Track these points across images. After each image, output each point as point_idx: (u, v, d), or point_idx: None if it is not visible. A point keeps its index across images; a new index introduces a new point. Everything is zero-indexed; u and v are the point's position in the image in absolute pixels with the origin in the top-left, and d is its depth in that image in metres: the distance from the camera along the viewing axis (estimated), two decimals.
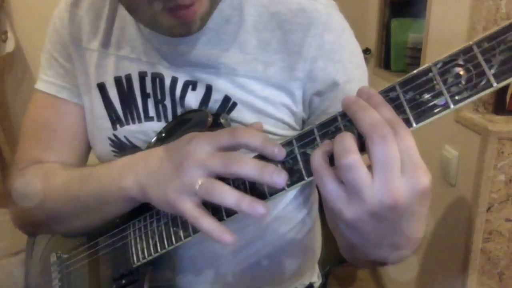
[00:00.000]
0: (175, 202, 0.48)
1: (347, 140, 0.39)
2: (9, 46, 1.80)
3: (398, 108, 0.40)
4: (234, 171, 0.45)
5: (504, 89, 1.06)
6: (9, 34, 1.80)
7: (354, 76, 0.59)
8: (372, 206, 0.38)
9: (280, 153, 0.45)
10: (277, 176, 0.43)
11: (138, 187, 0.52)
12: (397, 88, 0.40)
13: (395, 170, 0.37)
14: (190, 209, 0.47)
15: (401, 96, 0.40)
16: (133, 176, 0.53)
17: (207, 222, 0.47)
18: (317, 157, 0.41)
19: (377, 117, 0.38)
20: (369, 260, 0.48)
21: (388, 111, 0.39)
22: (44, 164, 0.67)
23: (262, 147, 0.46)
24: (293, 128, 0.61)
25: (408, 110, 0.39)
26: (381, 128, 0.37)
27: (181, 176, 0.47)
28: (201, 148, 0.47)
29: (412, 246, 0.45)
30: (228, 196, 0.45)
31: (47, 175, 0.64)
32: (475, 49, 0.36)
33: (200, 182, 0.46)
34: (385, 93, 0.40)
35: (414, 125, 0.39)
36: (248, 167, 0.44)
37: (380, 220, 0.39)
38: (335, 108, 0.58)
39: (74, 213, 0.60)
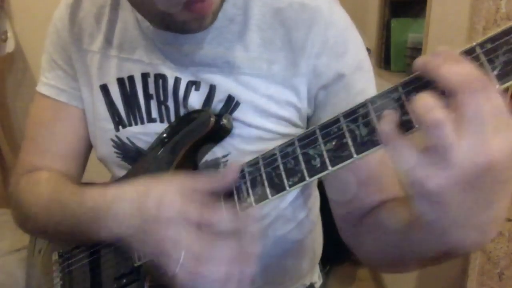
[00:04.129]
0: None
1: (429, 98, 0.35)
2: (9, 46, 1.79)
3: None
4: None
5: (504, 89, 1.06)
6: (9, 34, 1.79)
7: (361, 66, 0.59)
8: (463, 168, 0.33)
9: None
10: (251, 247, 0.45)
11: (119, 239, 0.51)
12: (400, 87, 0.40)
13: (490, 126, 0.33)
14: None
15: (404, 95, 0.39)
16: (111, 232, 0.51)
17: None
18: (387, 125, 0.37)
19: (468, 70, 0.34)
20: (432, 254, 0.44)
21: (473, 68, 0.35)
22: (38, 174, 0.66)
23: (234, 228, 0.46)
24: (296, 126, 0.61)
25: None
26: (473, 81, 0.33)
27: (164, 258, 0.46)
28: (176, 224, 0.46)
29: (494, 230, 0.40)
30: (215, 272, 0.45)
31: (34, 193, 0.64)
32: (478, 50, 0.36)
33: (181, 261, 0.45)
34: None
35: None
36: (225, 248, 0.45)
37: (470, 189, 0.34)
38: (339, 99, 0.58)
39: (62, 236, 0.61)
